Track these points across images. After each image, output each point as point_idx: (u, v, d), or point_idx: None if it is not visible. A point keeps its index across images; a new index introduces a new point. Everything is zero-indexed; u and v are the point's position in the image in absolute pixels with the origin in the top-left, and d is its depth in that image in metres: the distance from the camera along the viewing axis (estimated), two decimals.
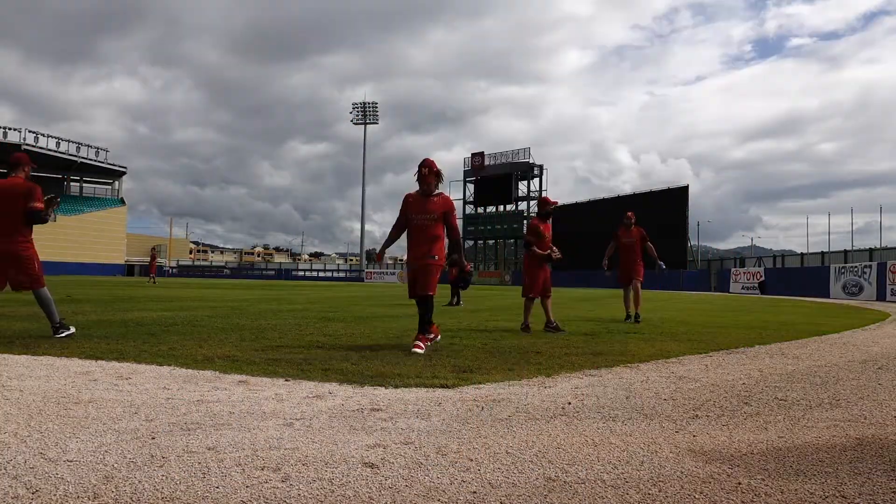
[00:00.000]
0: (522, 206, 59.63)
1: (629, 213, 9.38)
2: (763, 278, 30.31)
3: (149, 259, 40.92)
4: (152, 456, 2.21)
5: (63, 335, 5.60)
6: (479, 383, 3.79)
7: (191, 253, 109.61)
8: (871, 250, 32.90)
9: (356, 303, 13.91)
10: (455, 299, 13.67)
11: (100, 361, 4.35)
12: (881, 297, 20.99)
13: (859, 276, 22.94)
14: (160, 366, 4.21)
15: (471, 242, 62.88)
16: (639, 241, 9.20)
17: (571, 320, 9.33)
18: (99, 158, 69.11)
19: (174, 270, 70.66)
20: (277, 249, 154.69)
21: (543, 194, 56.76)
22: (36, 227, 5.69)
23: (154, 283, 31.23)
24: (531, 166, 59.33)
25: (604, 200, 49.95)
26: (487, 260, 63.77)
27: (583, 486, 2.02)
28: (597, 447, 2.47)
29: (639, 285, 9.11)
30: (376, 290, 28.11)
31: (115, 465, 2.10)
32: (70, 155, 65.34)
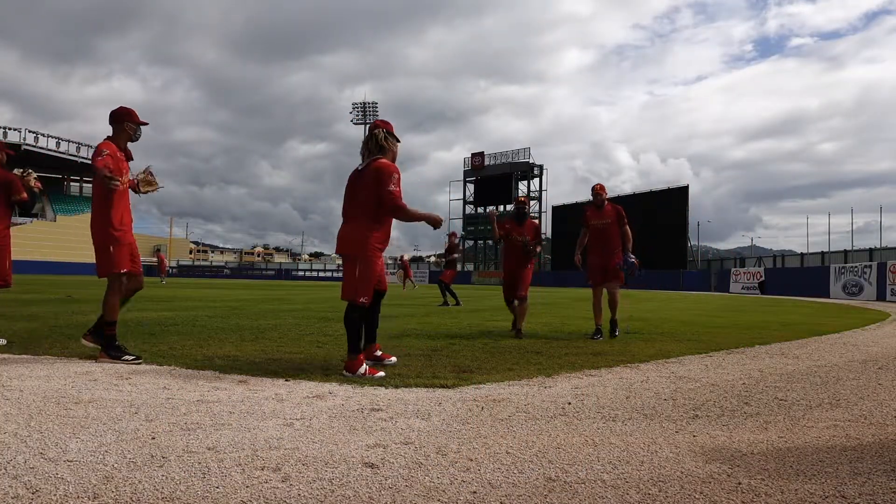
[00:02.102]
0: None
1: (598, 186, 6.93)
2: (763, 278, 30.31)
3: (157, 260, 41.18)
4: (152, 456, 2.21)
5: None
6: (479, 383, 3.79)
7: (191, 253, 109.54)
8: (871, 250, 32.93)
9: None
10: (447, 299, 13.57)
11: (100, 361, 4.35)
12: (881, 297, 21.00)
13: (859, 276, 22.94)
14: (160, 366, 4.22)
15: (471, 242, 62.85)
16: (615, 223, 6.83)
17: (571, 320, 9.34)
18: None
19: (174, 270, 70.61)
20: (277, 249, 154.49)
21: (543, 195, 57.31)
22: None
23: (164, 282, 31.47)
24: (531, 166, 59.35)
25: None
26: (487, 260, 63.75)
27: (583, 486, 2.02)
28: (597, 447, 2.47)
29: (616, 288, 6.90)
30: None
31: (115, 465, 2.10)
32: (70, 155, 65.20)
